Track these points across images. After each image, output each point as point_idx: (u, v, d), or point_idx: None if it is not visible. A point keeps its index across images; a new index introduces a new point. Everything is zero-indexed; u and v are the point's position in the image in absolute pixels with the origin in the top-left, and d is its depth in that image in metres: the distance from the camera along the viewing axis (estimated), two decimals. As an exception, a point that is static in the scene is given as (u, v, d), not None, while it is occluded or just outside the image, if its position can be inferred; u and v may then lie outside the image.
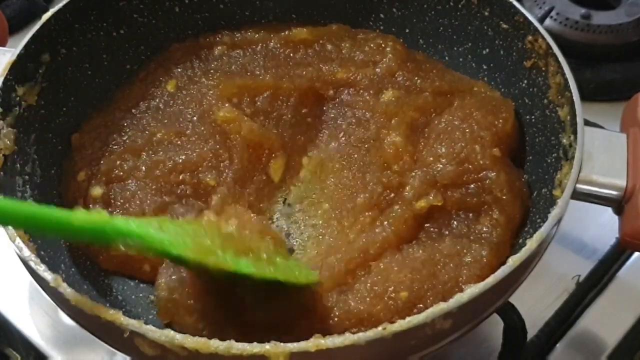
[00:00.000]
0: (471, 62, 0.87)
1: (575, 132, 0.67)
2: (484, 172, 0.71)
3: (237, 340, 0.51)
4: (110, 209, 0.75)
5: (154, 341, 0.52)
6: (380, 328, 0.52)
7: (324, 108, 0.81)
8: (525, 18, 0.77)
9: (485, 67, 0.86)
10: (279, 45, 0.88)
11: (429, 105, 0.79)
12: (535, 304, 0.80)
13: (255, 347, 0.51)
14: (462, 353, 0.77)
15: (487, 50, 0.85)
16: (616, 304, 0.82)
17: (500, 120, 0.76)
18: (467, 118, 0.76)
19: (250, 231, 0.65)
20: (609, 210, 0.69)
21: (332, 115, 0.81)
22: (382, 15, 0.92)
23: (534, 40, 0.76)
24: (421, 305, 0.64)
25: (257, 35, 0.89)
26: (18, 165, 0.71)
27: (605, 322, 0.80)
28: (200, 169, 0.77)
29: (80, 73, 0.83)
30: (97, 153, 0.79)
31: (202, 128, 0.80)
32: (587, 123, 0.67)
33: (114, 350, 0.60)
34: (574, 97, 0.68)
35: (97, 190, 0.76)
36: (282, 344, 0.51)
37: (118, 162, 0.78)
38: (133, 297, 0.74)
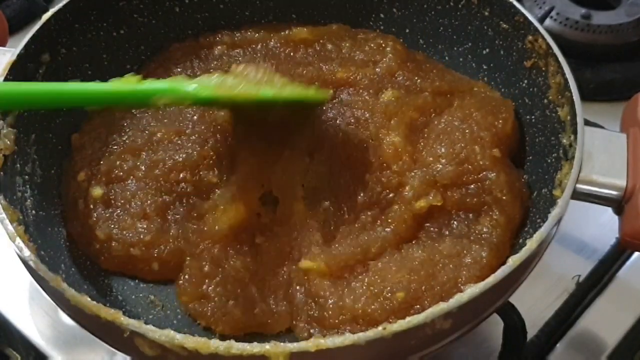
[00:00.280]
0: (471, 62, 0.87)
1: (575, 132, 0.67)
2: (484, 173, 0.72)
3: None
4: (110, 209, 0.75)
5: (154, 341, 0.52)
6: (380, 328, 0.52)
7: (324, 107, 0.81)
8: (525, 18, 0.77)
9: (485, 67, 0.86)
10: (279, 44, 0.88)
11: (428, 105, 0.79)
12: (535, 304, 0.80)
13: (255, 347, 0.51)
14: (462, 353, 0.77)
15: (487, 50, 0.85)
16: (616, 304, 0.82)
17: (500, 121, 0.76)
18: (466, 118, 0.76)
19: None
20: (609, 210, 0.69)
21: (331, 115, 0.81)
22: (382, 15, 0.92)
23: (534, 40, 0.76)
24: (418, 306, 0.64)
25: (257, 34, 0.89)
26: (18, 165, 0.71)
27: (605, 322, 0.80)
28: (200, 167, 0.77)
29: (80, 73, 0.83)
30: (97, 153, 0.79)
31: (203, 127, 0.80)
32: (587, 123, 0.67)
33: (114, 350, 0.60)
34: (574, 97, 0.68)
35: (97, 191, 0.76)
36: (282, 344, 0.51)
37: (118, 162, 0.78)
38: (133, 297, 0.74)
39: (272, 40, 0.88)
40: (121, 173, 0.77)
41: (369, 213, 0.73)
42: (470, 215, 0.71)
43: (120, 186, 0.77)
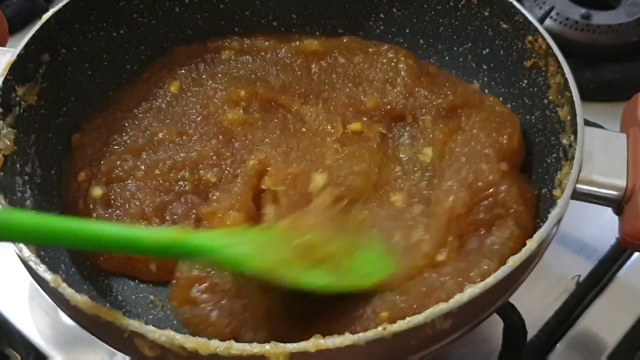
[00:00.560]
0: (471, 62, 0.87)
1: (575, 132, 0.67)
2: (495, 187, 0.70)
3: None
4: (110, 210, 0.75)
5: (154, 341, 0.52)
6: (380, 328, 0.52)
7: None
8: (525, 18, 0.77)
9: (485, 67, 0.86)
10: (289, 54, 0.87)
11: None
12: (535, 304, 0.80)
13: (255, 348, 0.51)
14: (462, 353, 0.77)
15: (487, 50, 0.85)
16: (616, 304, 0.82)
17: (505, 136, 0.75)
18: (470, 141, 0.76)
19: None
20: (609, 210, 0.69)
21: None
22: (382, 15, 0.92)
23: (534, 40, 0.76)
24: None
25: (267, 42, 0.89)
26: (18, 165, 0.71)
27: (605, 322, 0.80)
28: (200, 166, 0.77)
29: (80, 73, 0.83)
30: (98, 153, 0.79)
31: (206, 128, 0.80)
32: (587, 123, 0.67)
33: (114, 350, 0.60)
34: (574, 97, 0.68)
35: (97, 191, 0.76)
36: (281, 344, 0.51)
37: (118, 162, 0.78)
38: (133, 297, 0.74)
39: (283, 50, 0.88)
40: (121, 173, 0.77)
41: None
42: (482, 231, 0.70)
43: (120, 186, 0.77)
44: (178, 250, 0.56)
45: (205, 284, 0.66)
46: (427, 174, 0.78)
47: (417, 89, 0.83)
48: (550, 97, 0.74)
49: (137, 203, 0.75)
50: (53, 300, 0.61)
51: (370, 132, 0.82)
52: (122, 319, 0.53)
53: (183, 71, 0.87)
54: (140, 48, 0.89)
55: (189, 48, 0.90)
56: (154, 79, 0.86)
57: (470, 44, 0.87)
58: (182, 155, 0.77)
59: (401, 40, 0.91)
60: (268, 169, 0.77)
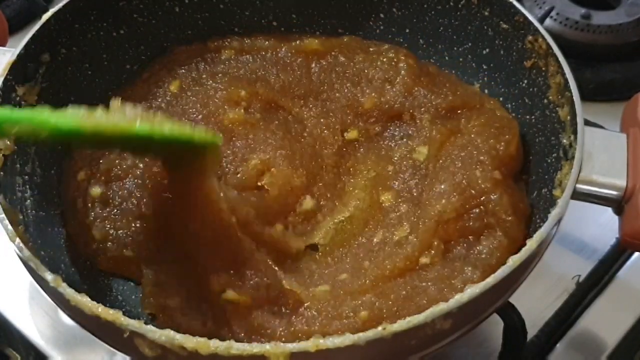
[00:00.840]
0: (471, 62, 0.87)
1: (575, 132, 0.67)
2: (486, 196, 0.70)
3: None
4: (108, 209, 0.75)
5: (154, 341, 0.52)
6: (380, 328, 0.52)
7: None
8: (525, 18, 0.77)
9: (485, 67, 0.86)
10: (289, 54, 0.87)
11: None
12: (535, 304, 0.80)
13: (255, 347, 0.51)
14: (462, 353, 0.77)
15: (487, 50, 0.85)
16: (616, 304, 0.82)
17: (503, 143, 0.75)
18: (467, 145, 0.75)
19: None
20: (609, 210, 0.69)
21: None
22: (382, 15, 0.92)
23: (534, 40, 0.76)
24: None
25: (267, 42, 0.89)
26: (18, 165, 0.71)
27: (605, 322, 0.80)
28: None
29: (80, 73, 0.83)
30: (97, 153, 0.79)
31: (206, 127, 0.80)
32: (587, 123, 0.67)
33: (114, 350, 0.60)
34: (574, 97, 0.68)
35: (96, 190, 0.76)
36: (282, 344, 0.51)
37: (117, 161, 0.78)
38: (133, 297, 0.74)
39: (283, 49, 0.88)
40: (120, 172, 0.77)
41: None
42: (471, 238, 0.70)
43: (118, 185, 0.77)
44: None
45: (170, 288, 0.67)
46: (419, 173, 0.78)
47: (416, 89, 0.83)
48: (550, 97, 0.74)
49: (134, 201, 0.75)
50: (53, 300, 0.61)
51: (365, 137, 0.83)
52: (122, 319, 0.53)
53: (183, 71, 0.87)
54: (140, 48, 0.89)
55: (189, 48, 0.90)
56: (154, 79, 0.86)
57: (470, 44, 0.87)
58: None
59: (401, 40, 0.91)
60: (272, 169, 0.77)
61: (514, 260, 0.57)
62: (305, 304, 0.66)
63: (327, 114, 0.85)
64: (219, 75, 0.86)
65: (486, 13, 0.83)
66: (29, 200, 0.71)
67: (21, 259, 0.60)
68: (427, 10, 0.89)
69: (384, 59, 0.86)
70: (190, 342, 0.51)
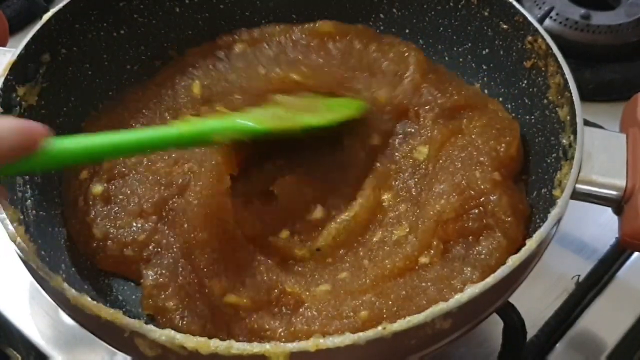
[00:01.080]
0: (471, 62, 0.87)
1: (575, 132, 0.67)
2: (485, 197, 0.70)
3: None
4: (109, 206, 0.75)
5: (154, 341, 0.52)
6: (380, 328, 0.52)
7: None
8: (525, 18, 0.77)
9: (485, 67, 0.86)
10: (304, 36, 0.87)
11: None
12: (535, 304, 0.80)
13: (255, 347, 0.51)
14: (462, 353, 0.78)
15: (487, 50, 0.85)
16: (616, 304, 0.82)
17: (504, 145, 0.75)
18: (467, 146, 0.75)
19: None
20: (609, 210, 0.69)
21: None
22: (382, 15, 0.92)
23: (534, 41, 0.76)
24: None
25: (278, 27, 0.88)
26: (18, 165, 0.71)
27: (605, 322, 0.80)
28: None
29: (81, 73, 0.83)
30: None
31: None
32: (586, 123, 0.67)
33: (114, 350, 0.60)
34: (573, 97, 0.68)
35: (97, 188, 0.76)
36: (282, 344, 0.51)
37: (121, 159, 0.78)
38: (133, 297, 0.74)
39: (296, 33, 0.87)
40: (124, 169, 0.77)
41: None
42: (470, 238, 0.70)
43: (120, 182, 0.76)
44: (201, 136, 0.67)
45: (169, 290, 0.67)
46: (418, 172, 0.78)
47: (424, 85, 0.82)
48: (550, 97, 0.74)
49: (136, 199, 0.75)
50: (53, 300, 0.61)
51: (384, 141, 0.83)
52: (122, 319, 0.53)
53: (199, 72, 0.86)
54: (140, 48, 0.89)
55: (200, 49, 0.89)
56: (170, 82, 0.86)
57: (470, 44, 0.87)
58: (192, 148, 0.77)
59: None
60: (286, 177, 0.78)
61: (513, 260, 0.57)
62: (306, 304, 0.67)
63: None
64: (240, 69, 0.85)
65: (486, 13, 0.83)
66: (29, 200, 0.71)
67: (21, 258, 0.60)
68: (427, 10, 0.89)
69: (396, 51, 0.86)
70: (191, 341, 0.51)
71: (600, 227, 0.88)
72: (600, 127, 0.84)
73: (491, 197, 0.70)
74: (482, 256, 0.67)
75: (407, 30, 0.91)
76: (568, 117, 0.70)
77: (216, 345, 0.51)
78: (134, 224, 0.73)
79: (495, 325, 0.73)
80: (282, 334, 0.64)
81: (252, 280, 0.68)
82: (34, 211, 0.71)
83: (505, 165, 0.74)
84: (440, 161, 0.76)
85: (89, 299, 0.55)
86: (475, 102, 0.81)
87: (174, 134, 0.65)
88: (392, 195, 0.78)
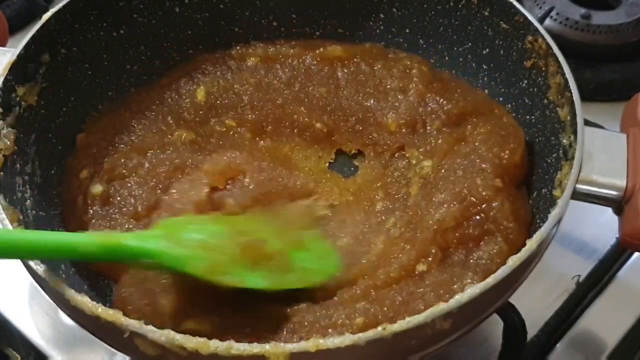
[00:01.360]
0: (471, 62, 0.87)
1: (575, 132, 0.67)
2: (488, 203, 0.69)
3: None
4: (107, 207, 0.75)
5: (154, 341, 0.52)
6: (380, 328, 0.52)
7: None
8: (525, 18, 0.77)
9: (485, 67, 0.86)
10: (315, 62, 0.88)
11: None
12: (535, 304, 0.80)
13: (255, 348, 0.51)
14: (462, 353, 0.77)
15: (487, 50, 0.85)
16: (616, 304, 0.82)
17: (507, 151, 0.74)
18: (470, 153, 0.75)
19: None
20: (609, 210, 0.69)
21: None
22: (382, 15, 0.92)
23: (534, 40, 0.76)
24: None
25: (292, 50, 0.89)
26: (18, 165, 0.71)
27: (605, 322, 0.80)
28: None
29: (80, 73, 0.83)
30: (102, 152, 0.79)
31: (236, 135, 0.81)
32: (587, 123, 0.67)
33: (114, 350, 0.60)
34: (574, 97, 0.68)
35: (97, 188, 0.76)
36: (282, 344, 0.51)
37: (122, 160, 0.78)
38: (133, 297, 0.74)
39: (308, 57, 0.89)
40: (124, 171, 0.77)
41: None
42: (470, 244, 0.69)
43: (120, 183, 0.76)
44: (115, 254, 0.57)
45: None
46: (420, 182, 0.78)
47: (429, 95, 0.83)
48: (550, 97, 0.74)
49: (132, 201, 0.75)
50: (53, 301, 0.61)
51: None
52: (122, 319, 0.53)
53: (207, 78, 0.87)
54: (140, 48, 0.89)
55: (212, 56, 0.90)
56: (175, 86, 0.87)
57: (470, 44, 0.87)
58: (196, 157, 0.77)
59: (401, 40, 0.91)
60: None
61: (513, 260, 0.57)
62: (293, 319, 0.64)
63: (366, 143, 0.86)
64: (245, 81, 0.87)
65: (486, 13, 0.83)
66: (29, 200, 0.71)
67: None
68: (427, 10, 0.89)
69: (400, 66, 0.87)
70: (190, 342, 0.51)
71: (601, 227, 0.88)
72: (601, 127, 0.84)
73: (493, 204, 0.69)
74: (483, 261, 0.67)
75: (407, 30, 0.91)
76: (568, 117, 0.70)
77: (216, 345, 0.51)
78: (127, 226, 0.73)
79: (495, 325, 0.73)
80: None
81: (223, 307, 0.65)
82: (33, 211, 0.71)
83: (508, 172, 0.73)
84: (442, 170, 0.76)
85: (89, 300, 0.55)
86: (481, 108, 0.81)
87: (76, 246, 0.56)
88: (390, 202, 0.78)
